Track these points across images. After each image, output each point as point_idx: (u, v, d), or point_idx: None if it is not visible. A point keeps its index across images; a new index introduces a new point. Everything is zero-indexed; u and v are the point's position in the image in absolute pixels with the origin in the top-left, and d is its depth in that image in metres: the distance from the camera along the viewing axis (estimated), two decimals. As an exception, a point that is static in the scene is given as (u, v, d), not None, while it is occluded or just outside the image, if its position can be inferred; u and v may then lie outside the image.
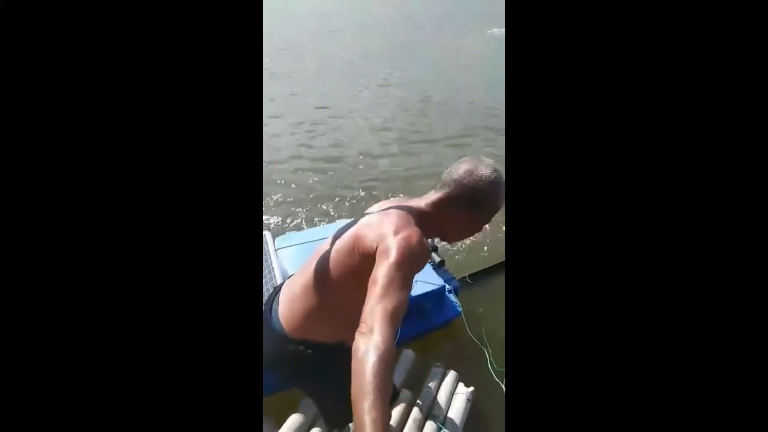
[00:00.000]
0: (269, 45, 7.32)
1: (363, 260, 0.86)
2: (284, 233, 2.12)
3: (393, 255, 0.77)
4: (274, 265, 1.64)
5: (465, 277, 2.23)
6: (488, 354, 1.67)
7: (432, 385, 1.43)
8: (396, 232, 0.82)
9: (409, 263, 0.78)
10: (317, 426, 1.28)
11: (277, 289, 1.09)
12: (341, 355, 0.82)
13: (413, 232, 0.83)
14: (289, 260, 1.77)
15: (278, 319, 0.98)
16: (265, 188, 3.16)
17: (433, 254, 2.03)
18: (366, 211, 1.04)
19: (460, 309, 1.87)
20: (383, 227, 0.85)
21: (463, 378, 1.52)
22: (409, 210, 0.92)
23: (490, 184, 0.92)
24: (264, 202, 3.01)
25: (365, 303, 0.74)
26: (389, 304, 0.72)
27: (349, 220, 1.03)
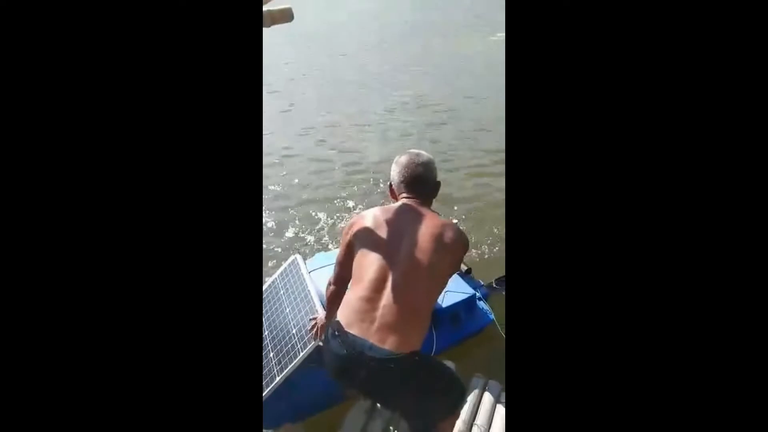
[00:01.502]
0: (287, 67, 7.38)
1: (447, 263, 1.17)
2: (314, 255, 2.17)
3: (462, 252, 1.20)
4: (310, 288, 1.68)
5: (491, 282, 2.26)
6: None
7: (474, 395, 1.47)
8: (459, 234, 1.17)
9: None
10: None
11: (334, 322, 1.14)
12: (426, 357, 1.14)
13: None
14: (324, 281, 1.79)
15: (368, 340, 1.03)
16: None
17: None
18: (360, 218, 1.23)
19: (492, 316, 1.90)
20: (452, 232, 1.15)
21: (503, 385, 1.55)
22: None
23: (433, 167, 1.24)
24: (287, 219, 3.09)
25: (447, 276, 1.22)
26: None
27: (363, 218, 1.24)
